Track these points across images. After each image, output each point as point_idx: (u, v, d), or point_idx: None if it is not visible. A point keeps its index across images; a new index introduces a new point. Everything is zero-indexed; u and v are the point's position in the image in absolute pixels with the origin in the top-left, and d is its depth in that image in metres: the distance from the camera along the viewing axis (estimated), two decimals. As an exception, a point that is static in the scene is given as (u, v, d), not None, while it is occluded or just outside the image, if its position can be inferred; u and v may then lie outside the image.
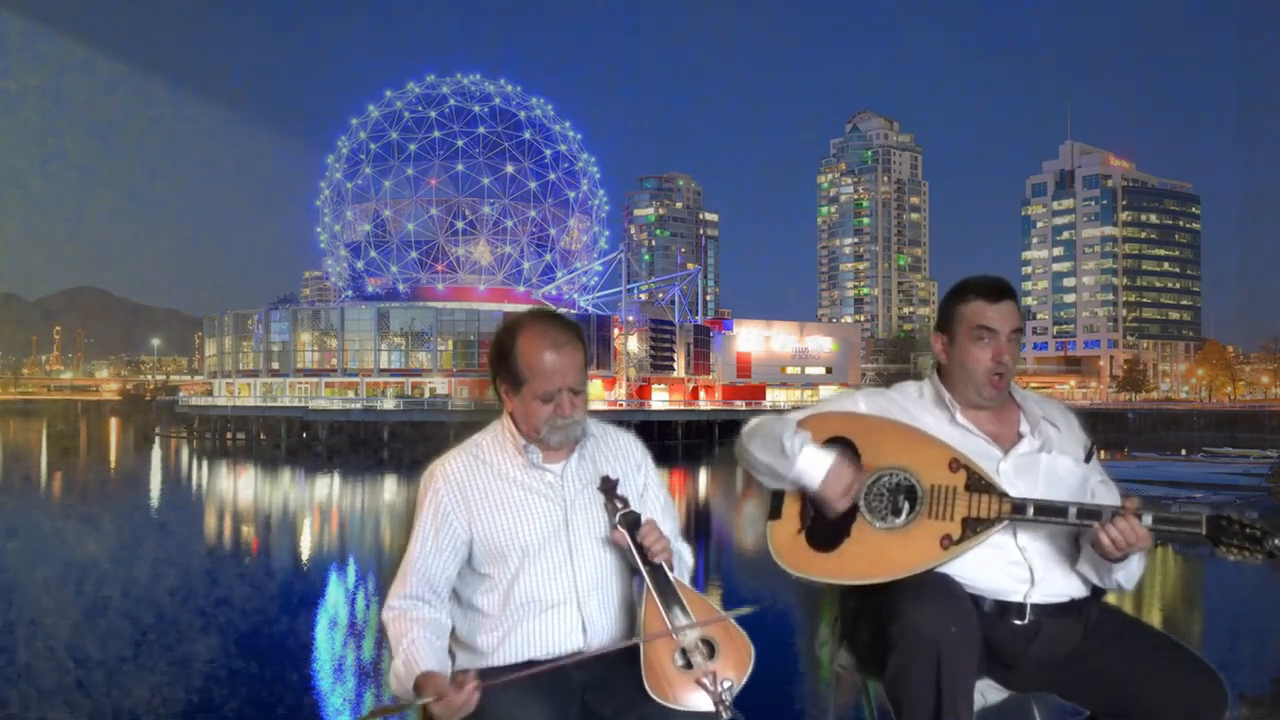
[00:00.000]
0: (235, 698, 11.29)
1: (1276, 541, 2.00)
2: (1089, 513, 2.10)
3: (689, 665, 2.01)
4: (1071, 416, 2.38)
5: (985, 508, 2.15)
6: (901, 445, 2.25)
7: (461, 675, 1.93)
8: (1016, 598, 2.16)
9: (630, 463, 2.28)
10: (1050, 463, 2.25)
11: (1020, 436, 2.27)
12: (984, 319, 2.25)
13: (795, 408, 2.50)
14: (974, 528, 2.14)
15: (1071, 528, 2.15)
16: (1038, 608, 2.16)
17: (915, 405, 2.34)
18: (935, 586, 2.10)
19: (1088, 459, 2.31)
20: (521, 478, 2.18)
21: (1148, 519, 2.07)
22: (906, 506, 2.20)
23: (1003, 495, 2.15)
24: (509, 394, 2.18)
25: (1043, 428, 2.29)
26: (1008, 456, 2.24)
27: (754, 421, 2.40)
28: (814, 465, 2.21)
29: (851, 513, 2.22)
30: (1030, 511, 2.12)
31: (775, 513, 2.31)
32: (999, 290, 2.28)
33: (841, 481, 2.19)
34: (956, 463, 2.19)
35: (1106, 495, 2.23)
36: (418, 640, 2.06)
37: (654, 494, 2.29)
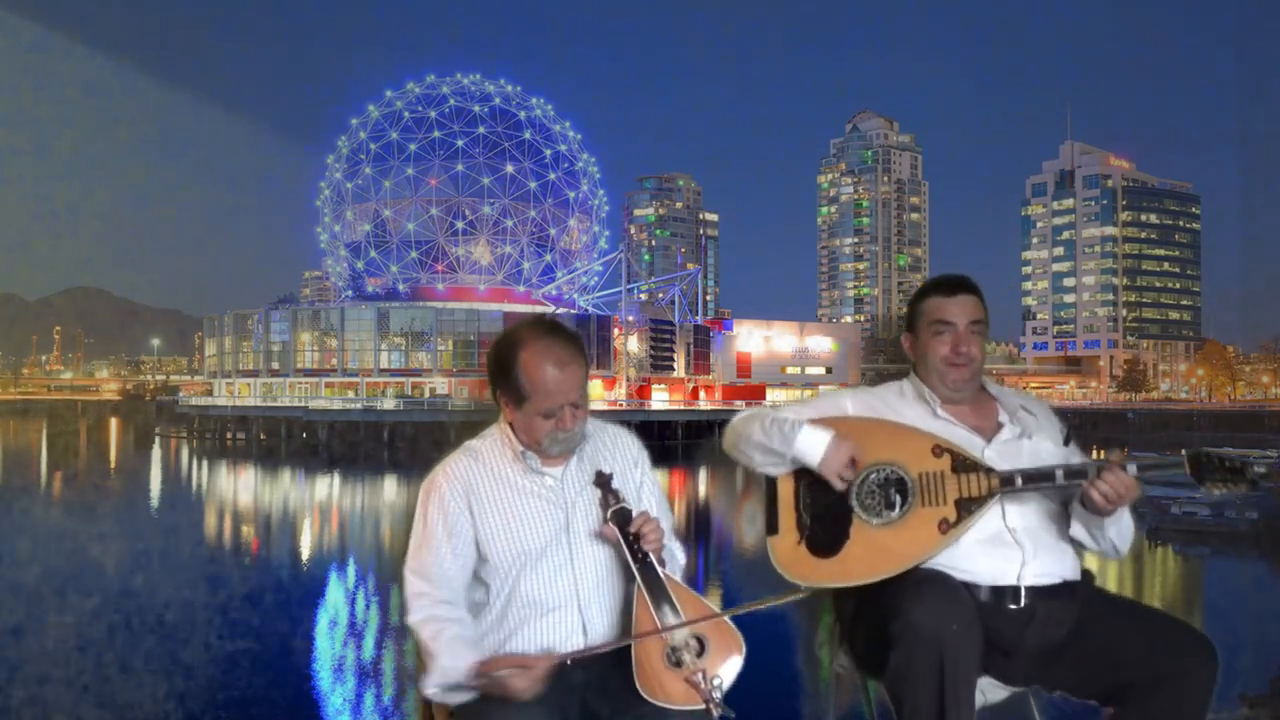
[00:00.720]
0: (235, 697, 11.29)
1: (1257, 469, 2.11)
2: (1076, 471, 2.17)
3: (679, 663, 2.01)
4: (1046, 405, 2.46)
5: (975, 486, 2.20)
6: (884, 441, 2.29)
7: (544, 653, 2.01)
8: (1010, 580, 2.19)
9: (627, 459, 2.29)
10: (1033, 446, 2.31)
11: (1000, 426, 2.34)
12: (940, 313, 2.34)
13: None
14: (968, 507, 2.19)
15: (1061, 491, 2.22)
16: (1032, 590, 2.19)
17: (899, 402, 2.39)
18: (936, 584, 2.12)
19: (1066, 443, 2.37)
20: (521, 482, 2.19)
21: (1132, 468, 2.16)
22: (899, 499, 2.23)
23: (989, 470, 2.20)
24: (509, 406, 2.17)
25: (1020, 416, 2.36)
26: (991, 444, 2.29)
27: (738, 416, 2.44)
28: (813, 443, 2.26)
29: (847, 515, 2.25)
30: (1019, 481, 2.18)
31: (772, 528, 2.33)
32: (955, 285, 2.36)
33: (841, 455, 2.24)
34: (939, 448, 2.24)
35: None
36: (462, 636, 2.07)
37: (649, 491, 2.29)
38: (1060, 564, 2.24)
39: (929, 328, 2.35)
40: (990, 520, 2.21)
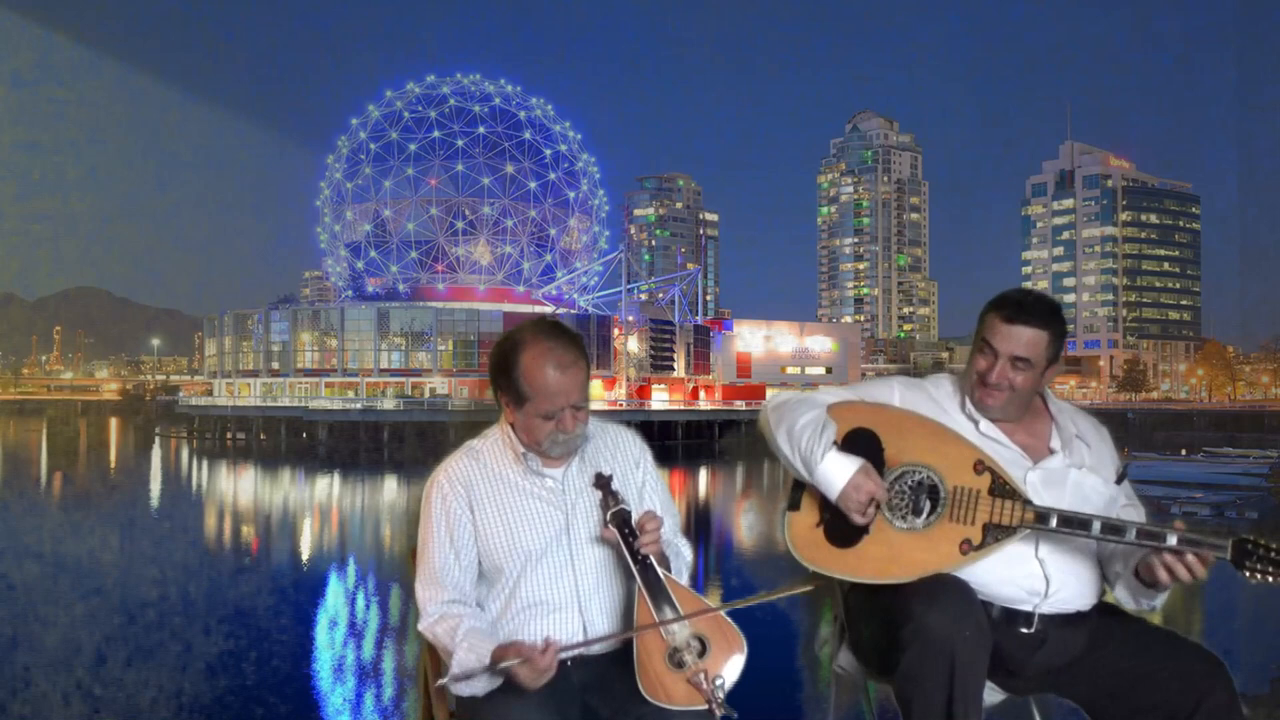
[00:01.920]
0: (235, 698, 11.29)
1: None
2: (1113, 528, 2.06)
3: (680, 664, 2.01)
4: (1105, 434, 2.34)
5: (1008, 514, 2.12)
6: (928, 442, 2.22)
7: (545, 640, 1.98)
8: (1027, 607, 2.16)
9: (629, 459, 2.28)
10: (1079, 479, 2.21)
11: (1051, 452, 2.24)
12: (989, 333, 2.22)
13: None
14: (995, 534, 2.12)
15: (1093, 542, 2.12)
16: (1046, 618, 2.15)
17: (949, 403, 2.30)
18: (949, 589, 2.09)
19: (1119, 481, 2.27)
20: (522, 483, 2.18)
21: (1172, 539, 2.03)
22: (928, 506, 2.17)
23: (1026, 503, 2.12)
24: (510, 406, 2.17)
25: (1075, 445, 2.25)
26: (1036, 468, 2.21)
27: (781, 398, 2.36)
28: (834, 475, 2.18)
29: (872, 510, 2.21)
30: (1053, 522, 2.09)
31: (794, 504, 2.29)
32: (1018, 313, 2.20)
33: (860, 495, 2.17)
34: (982, 465, 2.16)
35: (1133, 519, 2.18)
36: (476, 629, 2.07)
37: (653, 490, 2.28)
38: (1082, 596, 2.19)
39: (978, 340, 2.25)
40: (1021, 546, 2.14)
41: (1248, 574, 1.99)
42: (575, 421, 2.14)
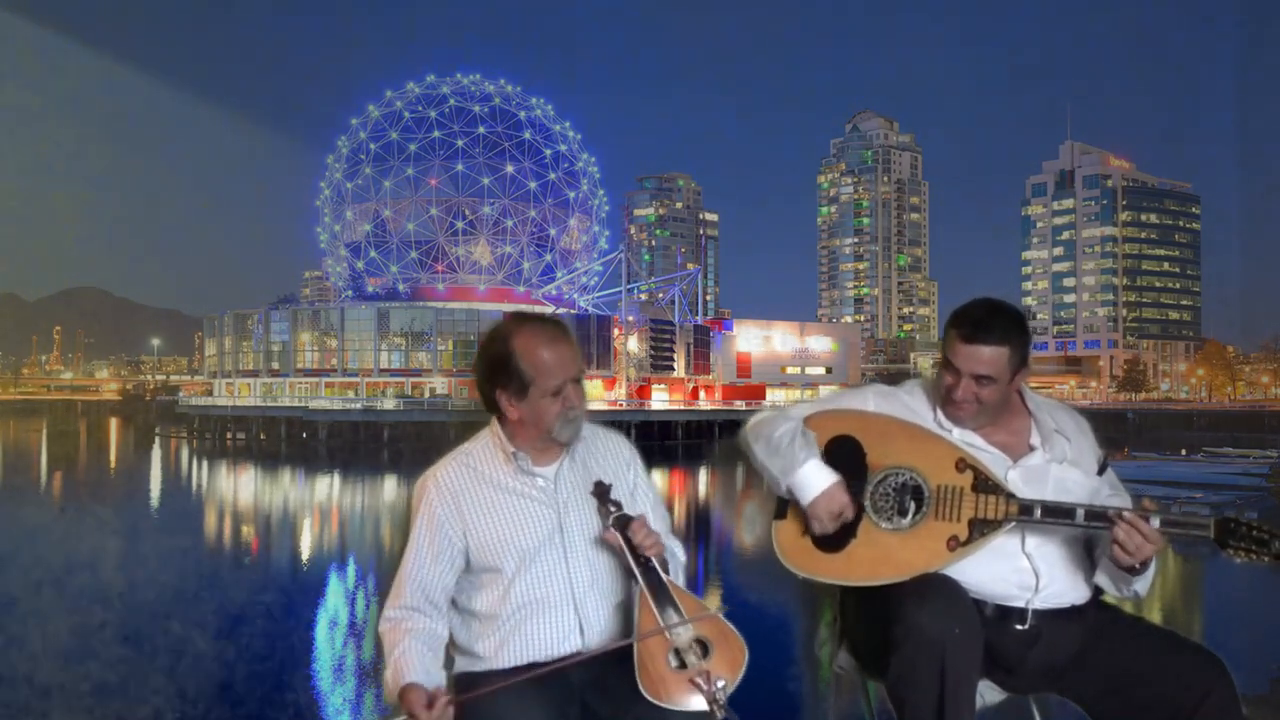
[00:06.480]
0: (234, 699, 11.29)
1: None
2: (1096, 515, 2.09)
3: (683, 665, 2.01)
4: (1085, 426, 2.34)
5: (992, 509, 2.14)
6: (908, 445, 2.24)
7: (435, 691, 1.97)
8: (1019, 603, 2.17)
9: (620, 461, 2.29)
10: (1060, 474, 2.23)
11: (1031, 449, 2.25)
12: (950, 352, 2.22)
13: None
14: (981, 529, 2.14)
15: (1079, 531, 2.14)
16: (1039, 613, 2.16)
17: (924, 409, 2.32)
18: (938, 588, 2.10)
19: (1100, 471, 2.28)
20: (513, 484, 2.19)
21: (1155, 521, 2.06)
22: (913, 507, 2.19)
23: (1010, 496, 2.14)
24: (514, 401, 2.17)
25: (1054, 440, 2.26)
26: (1016, 466, 2.22)
27: (759, 417, 2.38)
28: (812, 481, 2.21)
29: (857, 514, 2.22)
30: (1037, 513, 2.12)
31: (780, 513, 2.30)
32: (976, 332, 2.17)
33: (833, 504, 2.19)
34: (963, 463, 2.18)
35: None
36: (408, 651, 2.09)
37: (644, 492, 2.30)
38: (1074, 589, 2.20)
39: (942, 357, 2.25)
40: (1007, 541, 2.16)
41: (1231, 552, 2.00)
42: (579, 396, 2.17)
